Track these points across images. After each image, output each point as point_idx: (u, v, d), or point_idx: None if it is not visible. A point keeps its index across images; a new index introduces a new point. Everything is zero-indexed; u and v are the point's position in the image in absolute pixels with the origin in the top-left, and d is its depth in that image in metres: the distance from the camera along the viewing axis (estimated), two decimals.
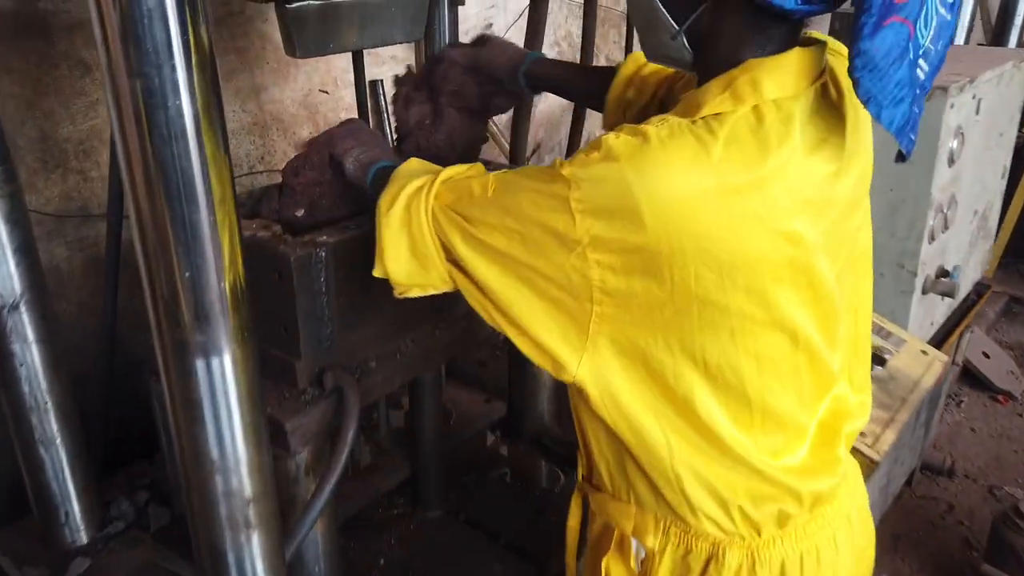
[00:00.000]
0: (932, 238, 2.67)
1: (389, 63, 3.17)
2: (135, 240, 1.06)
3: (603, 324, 1.10)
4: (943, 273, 2.85)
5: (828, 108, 1.13)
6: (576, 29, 4.16)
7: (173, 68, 0.96)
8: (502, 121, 3.67)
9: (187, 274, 1.05)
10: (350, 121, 1.60)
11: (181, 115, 0.99)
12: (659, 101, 1.58)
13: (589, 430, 1.29)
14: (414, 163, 1.33)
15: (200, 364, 1.12)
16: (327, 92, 2.99)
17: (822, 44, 1.17)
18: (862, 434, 1.92)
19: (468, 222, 1.17)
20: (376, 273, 1.27)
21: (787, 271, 1.07)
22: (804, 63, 1.12)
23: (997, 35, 5.69)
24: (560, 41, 4.06)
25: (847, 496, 1.32)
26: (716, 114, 1.08)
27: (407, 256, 1.23)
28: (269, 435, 1.55)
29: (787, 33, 1.13)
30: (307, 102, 2.94)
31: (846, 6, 1.07)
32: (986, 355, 4.48)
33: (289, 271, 1.50)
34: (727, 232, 1.02)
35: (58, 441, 1.81)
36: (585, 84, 1.71)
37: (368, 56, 2.93)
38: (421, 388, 2.06)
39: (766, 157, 1.03)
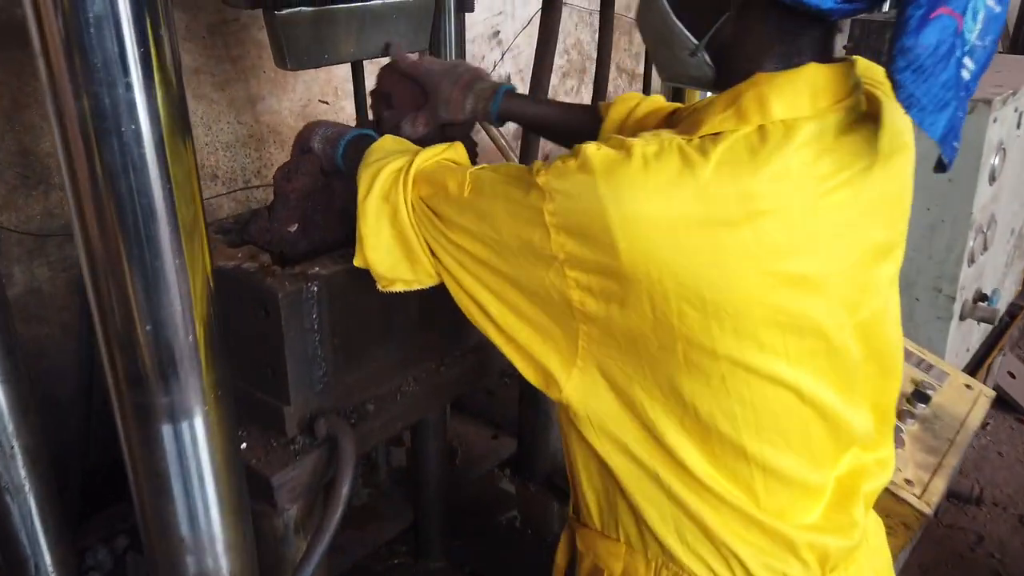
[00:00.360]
0: (971, 260, 2.50)
1: None
2: (87, 284, 0.90)
3: (591, 344, 1.02)
4: (981, 297, 2.68)
5: (857, 133, 0.98)
6: (586, 37, 4.01)
7: (128, 86, 0.80)
8: (510, 132, 3.52)
9: (148, 327, 0.89)
10: (311, 123, 1.49)
11: (139, 142, 0.83)
12: None
13: (578, 457, 1.17)
14: (388, 140, 1.23)
15: (166, 430, 0.96)
16: (327, 103, 2.85)
17: (850, 61, 1.02)
18: (908, 482, 1.75)
19: (443, 223, 1.09)
20: (356, 263, 1.21)
21: (785, 317, 0.95)
22: (824, 79, 0.97)
23: (1015, 41, 5.51)
24: (570, 49, 3.92)
25: (865, 559, 1.17)
26: (715, 133, 0.94)
27: (390, 246, 1.17)
28: (254, 490, 1.39)
29: (818, 43, 0.98)
30: (306, 113, 2.80)
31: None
32: (1012, 375, 4.29)
33: (276, 308, 1.34)
34: (712, 268, 0.91)
35: (27, 488, 1.65)
36: (568, 126, 1.54)
37: (369, 64, 2.79)
38: (424, 424, 1.90)
39: (764, 185, 0.91)
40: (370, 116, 1.77)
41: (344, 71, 2.80)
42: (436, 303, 1.63)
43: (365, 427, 1.52)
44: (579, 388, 1.06)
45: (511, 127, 3.68)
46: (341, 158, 1.36)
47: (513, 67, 3.63)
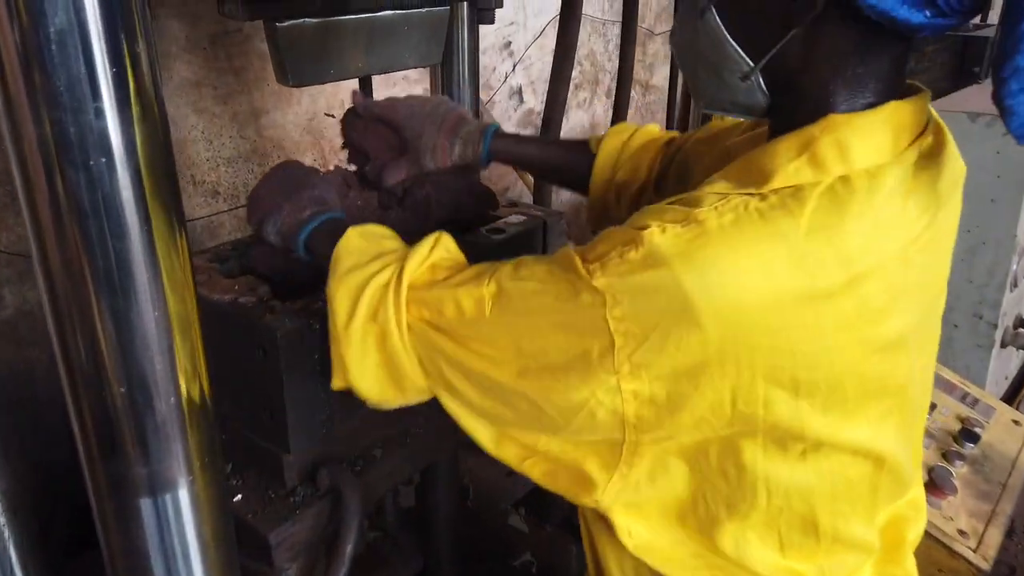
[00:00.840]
0: (1014, 285, 2.37)
1: (401, 84, 2.92)
2: (52, 338, 0.77)
3: (640, 448, 0.92)
4: (1021, 323, 2.55)
5: (929, 170, 0.88)
6: (599, 47, 3.90)
7: (98, 112, 0.68)
8: None
9: (122, 388, 0.76)
10: (270, 174, 1.32)
11: (112, 179, 0.70)
12: (656, 179, 1.32)
13: (609, 556, 1.07)
14: (354, 238, 1.07)
15: (145, 504, 0.84)
16: (333, 116, 2.75)
17: (925, 93, 0.91)
18: (962, 533, 1.61)
19: (454, 345, 0.94)
20: (335, 387, 1.05)
21: (874, 383, 0.88)
22: (905, 118, 0.86)
23: None
24: (582, 60, 3.81)
25: None
26: (792, 187, 0.82)
27: (376, 373, 1.02)
28: (249, 547, 1.26)
29: (896, 64, 0.87)
30: (311, 127, 2.69)
31: None
32: None
33: (275, 348, 1.21)
34: (809, 345, 0.81)
35: (5, 535, 1.52)
36: (561, 163, 1.44)
37: (377, 76, 2.68)
38: (435, 465, 1.76)
39: (859, 244, 0.81)
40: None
41: (352, 83, 2.70)
42: None
43: (371, 475, 1.39)
44: (620, 493, 0.95)
45: (526, 133, 3.58)
46: (305, 251, 1.19)
47: (524, 79, 3.51)
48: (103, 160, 0.69)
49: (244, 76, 2.45)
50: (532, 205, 1.78)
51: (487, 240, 1.57)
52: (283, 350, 1.22)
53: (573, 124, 3.86)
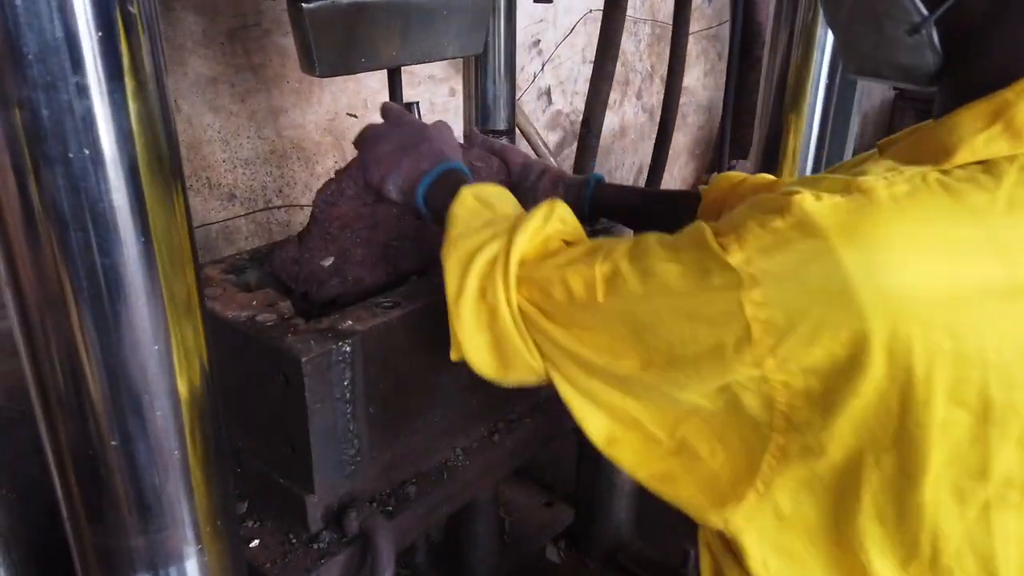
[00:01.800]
0: None
1: (426, 83, 2.77)
2: (27, 376, 0.61)
3: (785, 461, 0.77)
4: None
5: None
6: (631, 47, 3.73)
7: (81, 90, 0.52)
8: (552, 142, 3.25)
9: (114, 441, 0.60)
10: (384, 132, 1.22)
11: (98, 174, 0.54)
12: None
13: None
14: (468, 199, 0.98)
15: None
16: (355, 116, 2.61)
17: None
18: None
19: (571, 334, 0.82)
20: (453, 358, 0.98)
21: None
22: None
23: None
24: None
25: None
26: (983, 162, 0.67)
27: (491, 352, 0.95)
28: None
29: None
30: (333, 127, 2.55)
31: None
32: None
33: (299, 375, 1.05)
34: (1011, 352, 0.65)
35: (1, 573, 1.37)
36: (664, 211, 1.35)
37: (403, 73, 2.54)
38: (473, 502, 1.60)
39: None
40: None
41: (376, 83, 2.55)
42: None
43: (405, 517, 1.23)
44: (755, 515, 0.80)
45: (553, 137, 3.42)
46: (424, 205, 1.13)
47: (554, 79, 3.35)
48: (86, 151, 0.53)
49: (263, 73, 2.31)
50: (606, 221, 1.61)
51: None
52: (308, 377, 1.06)
53: (603, 126, 3.70)
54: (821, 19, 1.48)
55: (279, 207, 2.48)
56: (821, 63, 1.48)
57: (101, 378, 0.60)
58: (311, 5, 1.26)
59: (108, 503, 0.64)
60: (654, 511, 2.09)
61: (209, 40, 2.13)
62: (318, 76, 1.40)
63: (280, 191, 2.48)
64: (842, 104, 1.90)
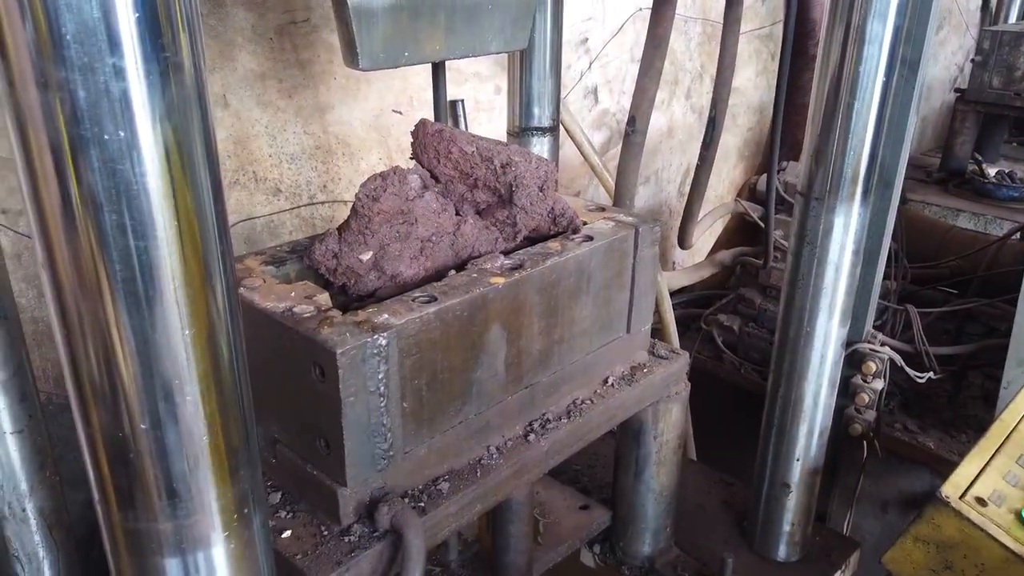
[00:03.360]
0: None
1: (472, 80, 2.76)
2: (61, 359, 0.62)
3: None
4: None
5: None
6: (680, 45, 3.68)
7: (118, 72, 0.52)
8: (597, 143, 3.22)
9: (143, 425, 0.60)
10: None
11: (134, 157, 0.54)
12: None
13: None
14: None
15: (171, 566, 0.67)
16: (401, 113, 2.61)
17: None
18: None
19: None
20: None
21: None
22: None
23: None
24: None
25: None
26: None
27: None
28: None
29: None
30: (378, 124, 2.55)
31: None
32: None
33: (335, 368, 1.05)
34: None
35: (40, 556, 1.41)
36: None
37: (447, 70, 2.53)
38: (507, 502, 1.58)
39: None
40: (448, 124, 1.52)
41: (421, 79, 2.55)
42: (528, 350, 1.37)
43: (437, 514, 1.22)
44: None
45: (598, 137, 3.38)
46: None
47: (601, 77, 3.32)
48: (122, 134, 0.53)
49: (310, 69, 2.32)
50: (622, 210, 1.59)
51: (576, 247, 1.39)
52: (343, 370, 1.06)
53: (649, 125, 3.65)
54: (876, 14, 1.43)
55: (323, 203, 2.50)
56: (877, 61, 1.42)
57: (133, 362, 0.60)
58: None
59: (137, 487, 0.64)
60: (692, 518, 2.06)
61: (258, 36, 2.15)
62: (361, 69, 1.40)
63: (324, 187, 2.49)
64: (899, 105, 1.84)
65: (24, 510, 1.37)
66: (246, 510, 0.70)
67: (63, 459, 1.48)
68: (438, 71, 1.75)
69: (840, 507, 2.50)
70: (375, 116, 2.52)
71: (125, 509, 0.65)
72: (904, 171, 2.08)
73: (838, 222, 1.55)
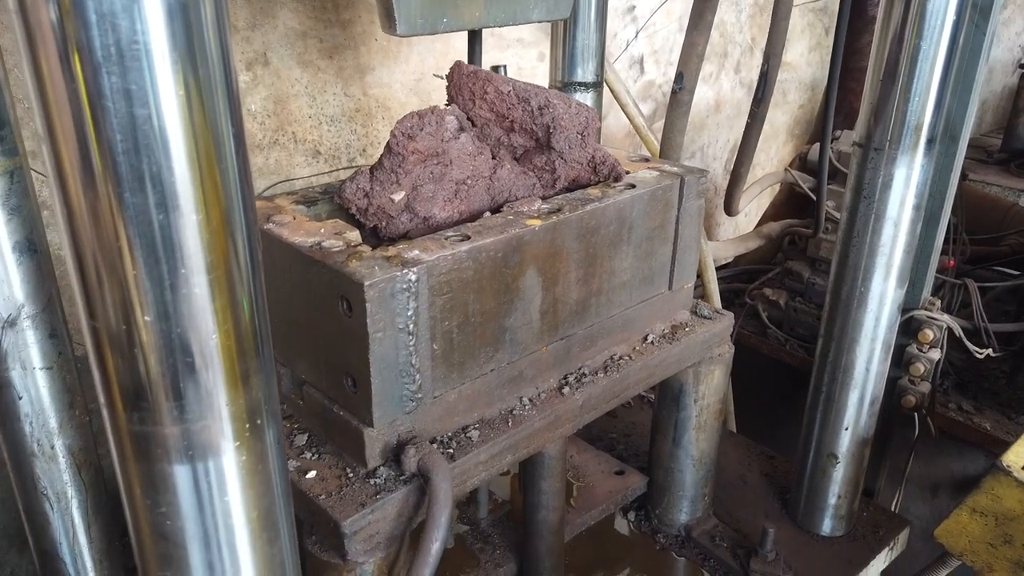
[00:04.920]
0: None
1: (515, 47, 2.70)
2: (64, 244, 0.59)
3: None
4: None
5: None
6: (731, 16, 3.56)
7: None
8: (648, 111, 3.13)
9: (147, 316, 0.57)
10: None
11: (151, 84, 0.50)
12: None
13: None
14: None
15: (179, 473, 0.64)
16: (441, 77, 2.56)
17: None
18: None
19: None
20: None
21: None
22: None
23: None
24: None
25: None
26: None
27: None
28: (320, 535, 1.07)
29: None
30: (418, 88, 2.51)
31: None
32: None
33: (362, 301, 1.01)
34: None
35: (69, 495, 1.40)
36: None
37: (489, 36, 2.46)
38: (539, 456, 1.54)
39: None
40: None
41: (463, 43, 2.50)
42: (564, 299, 1.32)
43: (466, 461, 1.17)
44: None
45: (644, 109, 3.30)
46: None
47: (647, 47, 3.23)
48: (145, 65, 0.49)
49: (351, 29, 2.29)
50: (668, 161, 1.52)
51: (618, 194, 1.33)
52: (371, 303, 1.02)
53: (696, 99, 3.56)
54: None
55: (362, 166, 2.47)
56: (944, 16, 1.31)
57: (136, 251, 0.56)
58: None
59: (143, 387, 0.61)
60: (732, 489, 1.98)
61: None
62: (398, 35, 1.38)
63: (364, 150, 2.47)
64: (968, 52, 1.73)
65: (53, 447, 1.36)
66: (259, 420, 0.67)
67: (97, 411, 1.48)
68: (474, 38, 1.71)
69: (888, 487, 2.39)
70: (416, 80, 2.48)
71: (130, 411, 0.62)
72: (972, 125, 1.95)
73: (899, 174, 1.46)
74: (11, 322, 1.25)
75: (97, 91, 0.51)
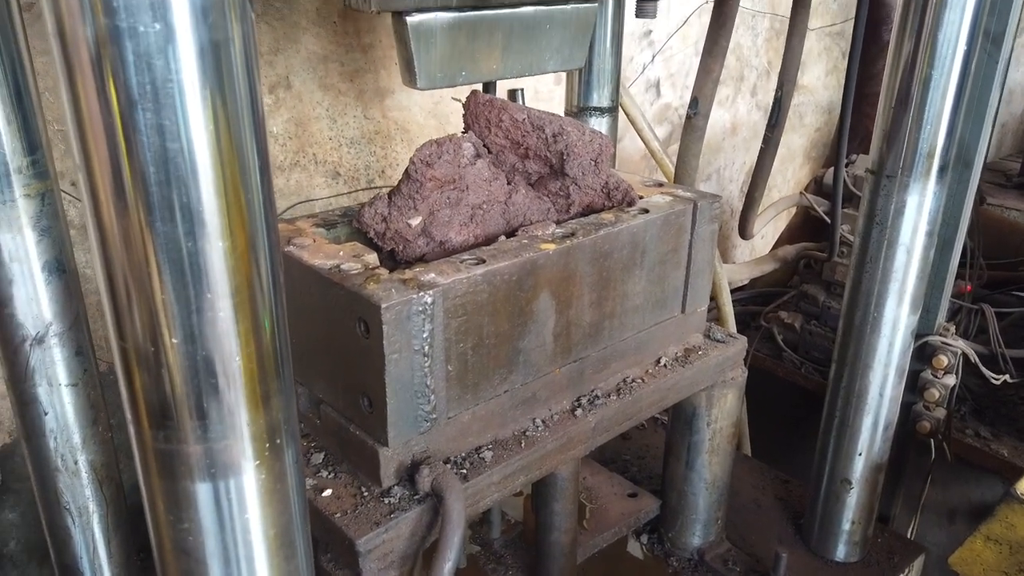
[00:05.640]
0: None
1: (530, 79, 2.74)
2: (95, 266, 0.61)
3: None
4: None
5: None
6: (747, 41, 3.59)
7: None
8: (663, 135, 3.16)
9: (174, 339, 0.59)
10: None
11: (168, 59, 0.53)
12: None
13: None
14: None
15: (201, 491, 0.66)
16: (460, 100, 2.61)
17: None
18: None
19: None
20: None
21: None
22: None
23: None
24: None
25: None
26: None
27: None
28: (334, 553, 1.09)
29: None
30: (437, 111, 2.56)
31: None
32: None
33: (379, 323, 1.04)
34: None
35: (91, 509, 1.43)
36: None
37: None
38: (551, 477, 1.55)
39: None
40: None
41: None
42: (578, 321, 1.33)
43: (479, 481, 1.19)
44: None
45: (660, 132, 3.32)
46: None
47: (664, 71, 3.26)
48: (157, 26, 0.52)
49: (372, 54, 2.34)
50: (681, 186, 1.54)
51: (631, 219, 1.35)
52: (387, 325, 1.04)
53: (713, 122, 3.58)
54: (953, 2, 1.35)
55: (381, 187, 2.51)
56: (958, 29, 1.33)
57: (164, 275, 0.59)
58: (415, 19, 1.27)
59: (169, 406, 0.63)
60: (746, 513, 1.98)
61: (322, 19, 2.18)
62: (419, 89, 1.42)
63: (383, 172, 2.51)
64: (981, 79, 1.74)
65: (76, 463, 1.39)
66: (278, 440, 0.69)
67: (120, 427, 1.51)
68: (490, 85, 1.76)
69: (904, 513, 2.38)
70: (434, 103, 2.53)
71: (156, 429, 0.64)
72: (986, 153, 1.96)
73: (911, 201, 1.47)
74: (39, 339, 1.29)
75: (132, 126, 0.54)
